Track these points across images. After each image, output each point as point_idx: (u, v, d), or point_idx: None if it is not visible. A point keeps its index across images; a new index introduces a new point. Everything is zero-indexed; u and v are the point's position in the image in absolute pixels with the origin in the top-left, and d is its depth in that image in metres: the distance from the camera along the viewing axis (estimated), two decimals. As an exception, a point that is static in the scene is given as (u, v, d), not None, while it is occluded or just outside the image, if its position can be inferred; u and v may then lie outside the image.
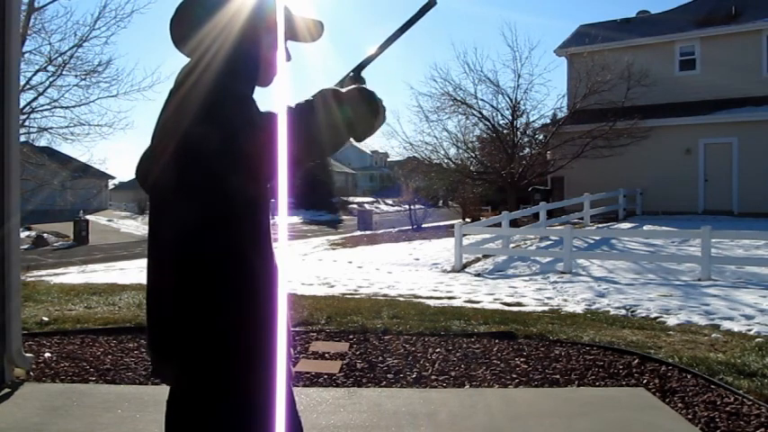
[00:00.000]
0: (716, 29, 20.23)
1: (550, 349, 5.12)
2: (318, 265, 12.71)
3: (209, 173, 1.22)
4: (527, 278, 10.26)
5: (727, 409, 3.70)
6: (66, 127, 12.92)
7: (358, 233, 23.69)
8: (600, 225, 17.44)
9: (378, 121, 1.36)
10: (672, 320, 6.52)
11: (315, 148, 1.33)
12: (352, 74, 1.51)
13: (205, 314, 1.23)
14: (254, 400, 1.24)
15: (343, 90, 1.36)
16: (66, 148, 25.59)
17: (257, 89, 1.41)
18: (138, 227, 32.60)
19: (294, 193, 1.38)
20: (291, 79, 1.46)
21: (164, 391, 1.35)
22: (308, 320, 6.05)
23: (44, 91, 12.15)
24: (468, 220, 23.73)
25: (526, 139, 23.08)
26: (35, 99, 12.12)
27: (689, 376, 4.31)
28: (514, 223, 16.12)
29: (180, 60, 1.43)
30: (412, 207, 24.78)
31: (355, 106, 1.33)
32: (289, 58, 1.42)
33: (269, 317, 1.23)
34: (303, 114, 1.28)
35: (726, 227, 14.14)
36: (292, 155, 1.24)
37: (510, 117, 21.60)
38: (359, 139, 1.38)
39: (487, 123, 21.94)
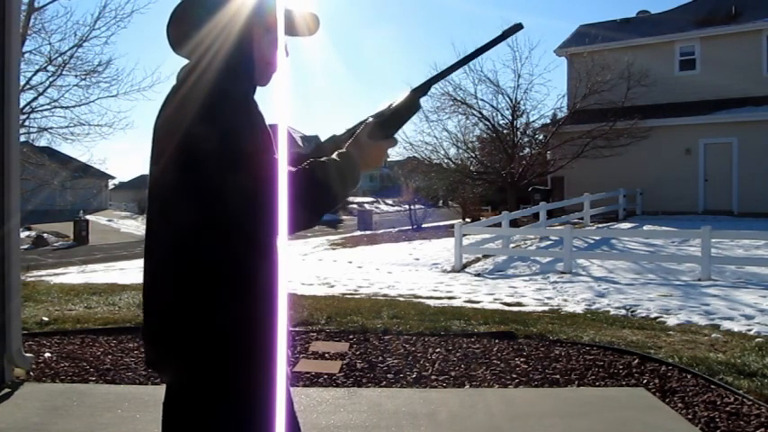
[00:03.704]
0: (716, 29, 20.22)
1: (550, 349, 5.12)
2: (318, 265, 12.71)
3: (208, 173, 1.22)
4: (527, 278, 10.26)
5: (727, 409, 3.70)
6: (67, 127, 12.92)
7: (358, 233, 23.69)
8: (600, 225, 17.43)
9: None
10: (672, 320, 6.52)
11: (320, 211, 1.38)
12: (371, 118, 1.48)
13: (205, 314, 1.23)
14: (253, 400, 1.24)
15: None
16: (66, 148, 25.57)
17: (257, 89, 1.41)
18: (138, 227, 32.59)
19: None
20: (290, 74, 1.46)
21: (164, 391, 1.35)
22: (308, 320, 6.05)
23: (44, 91, 12.14)
24: (468, 220, 23.73)
25: (526, 139, 23.08)
26: (35, 99, 12.12)
27: (689, 376, 4.31)
28: (514, 223, 16.12)
29: (179, 60, 1.43)
30: (412, 207, 24.78)
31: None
32: (287, 53, 1.43)
33: (269, 316, 1.23)
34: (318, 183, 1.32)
35: (726, 227, 14.13)
36: (299, 217, 1.28)
37: (510, 117, 21.60)
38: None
39: (487, 123, 21.93)
